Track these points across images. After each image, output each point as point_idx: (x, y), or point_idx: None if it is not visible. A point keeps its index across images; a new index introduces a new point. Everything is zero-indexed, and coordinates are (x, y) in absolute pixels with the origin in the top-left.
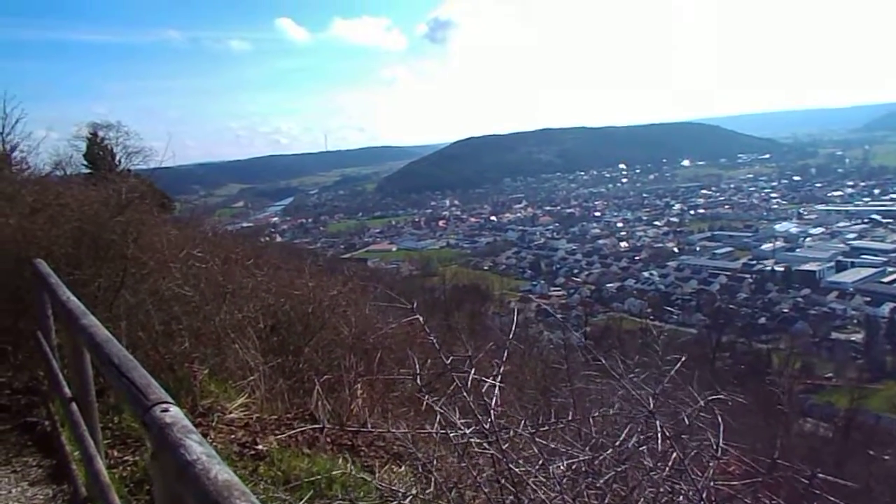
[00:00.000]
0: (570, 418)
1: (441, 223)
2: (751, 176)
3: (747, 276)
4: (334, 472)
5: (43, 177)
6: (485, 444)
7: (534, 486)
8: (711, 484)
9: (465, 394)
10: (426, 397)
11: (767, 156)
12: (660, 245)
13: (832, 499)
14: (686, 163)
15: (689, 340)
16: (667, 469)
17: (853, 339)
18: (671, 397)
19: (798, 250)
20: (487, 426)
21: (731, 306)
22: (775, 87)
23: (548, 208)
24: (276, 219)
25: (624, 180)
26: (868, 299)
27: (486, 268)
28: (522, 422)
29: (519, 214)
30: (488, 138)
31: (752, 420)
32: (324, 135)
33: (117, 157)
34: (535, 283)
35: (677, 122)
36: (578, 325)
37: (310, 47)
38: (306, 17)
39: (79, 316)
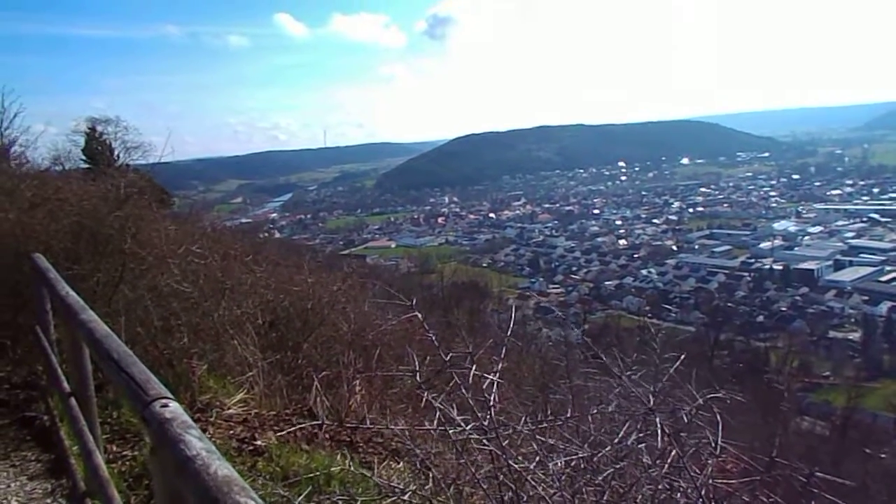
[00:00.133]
0: (568, 415)
1: (440, 220)
2: (750, 174)
3: (745, 274)
4: (333, 469)
5: (42, 171)
6: (484, 441)
7: (533, 483)
8: (710, 482)
9: (463, 390)
10: (425, 394)
11: (766, 154)
12: (658, 243)
13: (829, 497)
14: (685, 161)
15: (688, 338)
16: (665, 466)
17: (851, 337)
18: (669, 395)
19: (796, 249)
20: (486, 423)
21: (729, 304)
22: (775, 86)
23: (547, 206)
24: (274, 215)
25: (623, 178)
26: (866, 298)
27: (484, 265)
28: (522, 418)
29: (518, 212)
30: (487, 135)
31: (750, 418)
32: (323, 131)
33: (116, 152)
34: (533, 280)
35: (676, 120)
36: (577, 322)
37: (309, 43)
38: (305, 12)
39: (78, 311)
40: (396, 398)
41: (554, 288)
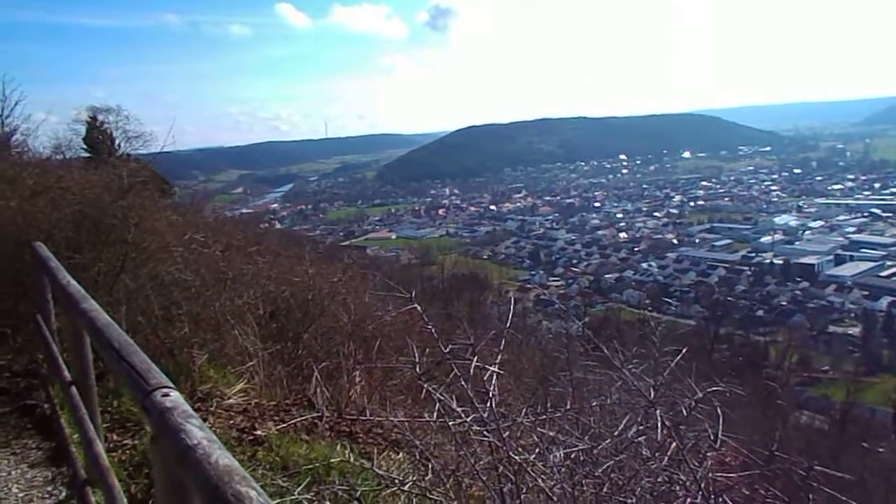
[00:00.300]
0: (568, 407)
1: (441, 212)
2: (751, 168)
3: (746, 268)
4: (332, 459)
5: (43, 160)
6: (484, 433)
7: (532, 475)
8: (709, 475)
9: (463, 382)
10: (425, 385)
11: (768, 148)
12: (659, 236)
13: (828, 490)
14: (686, 154)
15: (688, 332)
16: (665, 459)
17: (850, 332)
18: (669, 388)
19: (797, 243)
20: (486, 414)
21: (729, 298)
22: (777, 80)
23: (547, 198)
24: (275, 205)
25: (624, 171)
26: (866, 293)
27: (485, 257)
28: (522, 410)
29: (518, 204)
30: (489, 127)
31: (749, 412)
32: (324, 122)
33: (117, 142)
34: (533, 272)
35: (678, 114)
36: (577, 315)
37: (310, 33)
38: (306, 2)
39: (79, 300)
40: (396, 389)
41: (554, 280)
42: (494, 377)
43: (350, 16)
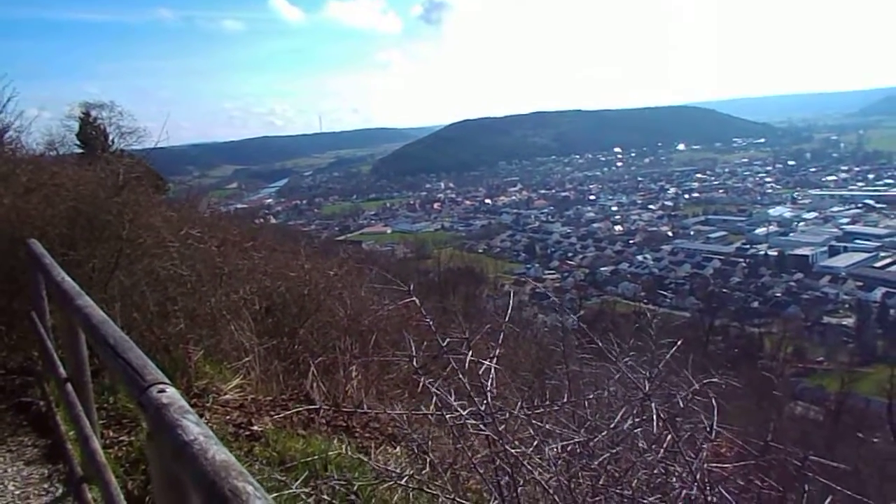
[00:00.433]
0: (564, 400)
1: (436, 206)
2: (746, 160)
3: (741, 260)
4: (330, 453)
5: (37, 156)
6: (480, 426)
7: (529, 468)
8: (705, 466)
9: (460, 376)
10: (422, 379)
11: (762, 140)
12: (654, 229)
13: (823, 480)
14: (681, 147)
15: (683, 324)
16: (661, 451)
17: (845, 323)
18: (665, 380)
19: (791, 235)
20: (483, 408)
21: (724, 290)
22: (771, 72)
23: (543, 192)
24: (270, 200)
25: (619, 164)
26: (860, 284)
27: (480, 251)
28: (518, 404)
29: (514, 197)
30: (483, 121)
31: (744, 403)
32: (318, 116)
33: (110, 138)
34: (529, 266)
35: (673, 106)
36: (573, 308)
37: (304, 28)
38: None
39: (74, 296)
40: (393, 383)
41: (550, 274)
42: (491, 371)
43: (344, 10)
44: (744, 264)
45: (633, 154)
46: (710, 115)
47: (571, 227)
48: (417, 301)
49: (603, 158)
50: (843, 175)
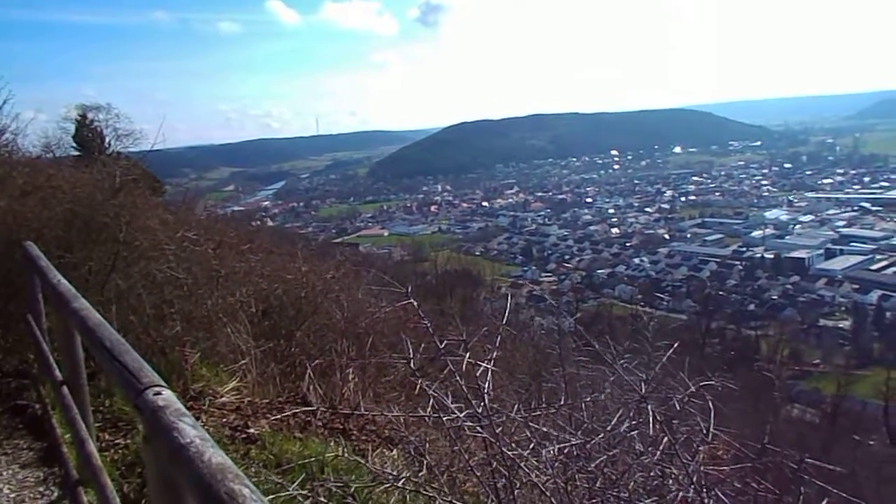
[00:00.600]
0: (561, 403)
1: (433, 208)
2: (742, 163)
3: (737, 263)
4: (326, 456)
5: (33, 159)
6: (477, 428)
7: (526, 470)
8: (701, 468)
9: (457, 378)
10: (419, 381)
11: (759, 143)
12: (651, 232)
13: (819, 483)
14: (678, 150)
15: (679, 327)
16: (657, 454)
17: (841, 325)
18: (662, 383)
19: (788, 238)
20: (480, 410)
21: (720, 293)
22: (767, 75)
23: (539, 194)
24: (267, 203)
25: (616, 167)
26: (856, 286)
27: (477, 253)
28: (515, 406)
29: (510, 200)
30: (480, 123)
31: (741, 405)
32: (315, 119)
33: (107, 140)
34: (526, 268)
35: (669, 109)
36: (570, 310)
37: (300, 30)
38: None
39: (70, 299)
40: (390, 386)
41: (546, 276)
42: (488, 373)
43: (341, 12)
44: (740, 267)
45: (629, 157)
46: (707, 117)
47: (568, 230)
48: (415, 303)
49: (600, 161)
50: (840, 178)
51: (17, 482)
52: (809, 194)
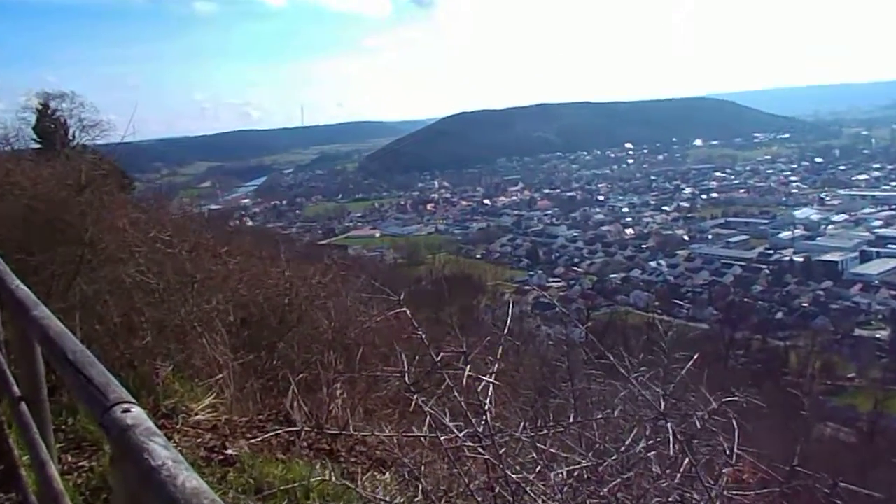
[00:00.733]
0: (571, 421)
1: (429, 207)
2: (768, 157)
3: (764, 266)
4: (312, 480)
5: None
6: (478, 449)
7: (532, 495)
8: (725, 493)
9: (456, 394)
10: (414, 397)
11: (787, 135)
12: (669, 232)
13: None
14: (698, 142)
15: (700, 337)
16: (677, 476)
17: (878, 335)
18: (681, 399)
19: (819, 239)
20: (481, 429)
21: (745, 300)
22: (797, 61)
23: (546, 191)
24: (247, 200)
25: (630, 161)
26: (895, 293)
27: (478, 256)
28: (520, 425)
29: (515, 198)
30: (481, 114)
31: (768, 423)
32: (300, 108)
33: (71, 131)
34: (531, 273)
35: (689, 98)
36: (579, 319)
37: (284, 11)
38: None
39: (29, 307)
40: (382, 402)
41: (554, 281)
42: (490, 388)
43: None
44: (767, 271)
45: (645, 150)
46: (730, 107)
47: (578, 231)
48: (408, 312)
49: (612, 155)
50: (876, 173)
51: None
52: (843, 191)
